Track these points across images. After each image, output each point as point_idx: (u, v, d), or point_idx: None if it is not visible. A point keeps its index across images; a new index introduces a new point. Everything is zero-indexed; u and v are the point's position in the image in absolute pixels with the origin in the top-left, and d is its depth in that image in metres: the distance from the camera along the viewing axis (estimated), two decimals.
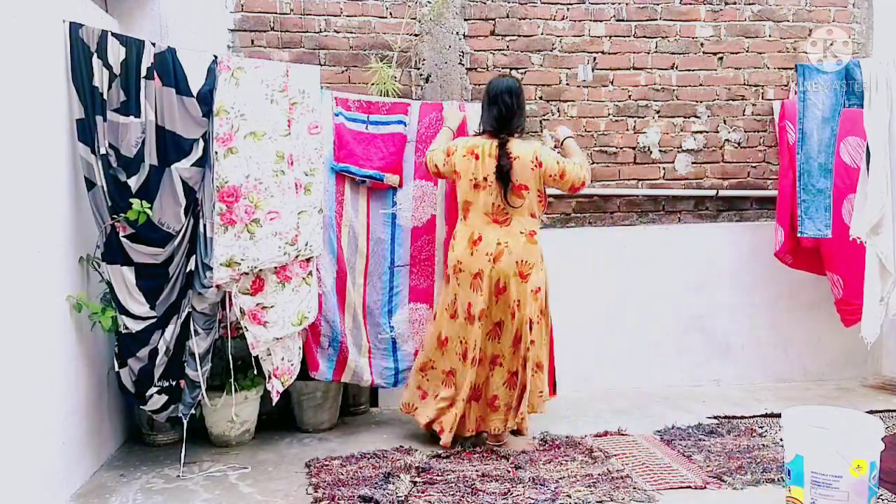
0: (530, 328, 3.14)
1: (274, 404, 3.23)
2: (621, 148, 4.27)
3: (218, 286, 2.97)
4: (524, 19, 4.14)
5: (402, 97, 3.80)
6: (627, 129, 4.27)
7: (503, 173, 3.09)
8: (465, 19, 4.09)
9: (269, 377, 3.14)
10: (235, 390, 3.28)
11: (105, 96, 2.81)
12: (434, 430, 3.29)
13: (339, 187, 3.47)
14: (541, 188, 3.21)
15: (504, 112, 3.17)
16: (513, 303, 3.14)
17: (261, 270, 3.03)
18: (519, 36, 4.14)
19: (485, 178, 3.13)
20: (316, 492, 2.77)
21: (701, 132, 4.34)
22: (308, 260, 3.18)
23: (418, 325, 3.64)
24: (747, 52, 4.35)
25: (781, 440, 2.92)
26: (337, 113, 3.45)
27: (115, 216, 2.84)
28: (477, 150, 3.15)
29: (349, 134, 3.47)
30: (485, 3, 4.11)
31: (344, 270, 3.47)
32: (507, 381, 3.22)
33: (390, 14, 4.01)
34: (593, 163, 4.18)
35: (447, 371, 3.28)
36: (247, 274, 3.00)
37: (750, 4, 4.33)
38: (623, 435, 3.40)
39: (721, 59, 4.33)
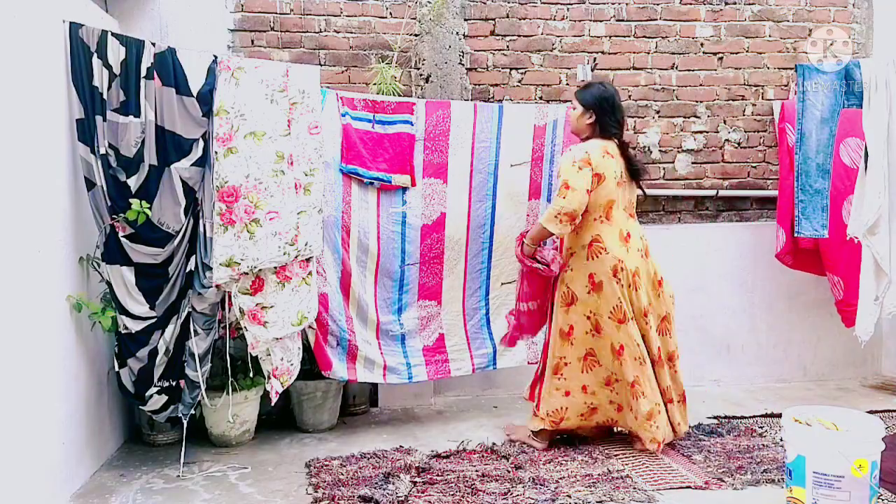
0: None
1: (273, 404, 3.23)
2: None
3: (218, 286, 2.97)
4: (524, 19, 4.14)
5: (402, 97, 3.80)
6: (627, 129, 4.25)
7: (635, 171, 3.23)
8: (465, 19, 4.09)
9: (269, 377, 3.14)
10: (235, 390, 3.28)
11: (105, 96, 2.81)
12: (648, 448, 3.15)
13: (346, 187, 3.47)
14: None
15: (623, 116, 3.29)
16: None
17: (260, 270, 3.02)
18: (519, 36, 4.14)
19: (622, 175, 3.19)
20: (316, 492, 2.77)
21: (701, 132, 4.35)
22: (308, 260, 3.18)
23: (426, 322, 3.64)
24: (747, 52, 4.35)
25: (782, 440, 2.92)
26: (344, 113, 3.45)
27: (114, 216, 2.84)
28: (609, 149, 3.18)
29: (356, 134, 3.47)
30: (485, 3, 4.11)
31: (349, 269, 3.47)
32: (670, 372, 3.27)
33: (390, 14, 4.01)
34: None
35: (631, 383, 3.10)
36: (246, 274, 3.00)
37: (750, 4, 4.34)
38: (623, 435, 3.40)
39: (721, 59, 4.33)
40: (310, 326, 3.27)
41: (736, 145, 4.38)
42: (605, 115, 3.21)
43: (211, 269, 2.93)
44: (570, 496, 2.70)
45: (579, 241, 3.16)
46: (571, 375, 3.18)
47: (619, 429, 3.32)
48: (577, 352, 3.17)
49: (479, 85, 4.11)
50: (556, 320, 3.22)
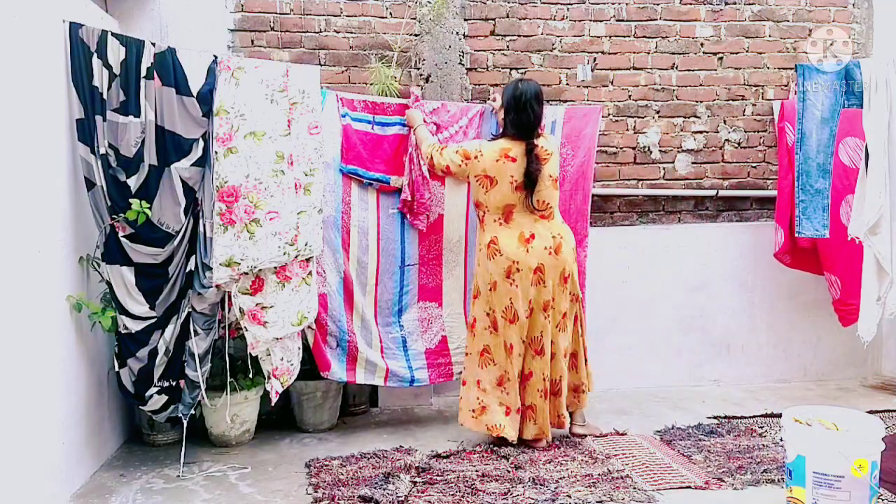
0: (582, 308, 3.38)
1: (273, 404, 3.23)
2: (621, 148, 4.27)
3: (217, 286, 2.97)
4: (524, 19, 4.14)
5: (402, 97, 3.80)
6: (627, 129, 4.27)
7: (531, 180, 3.14)
8: (465, 19, 4.08)
9: (269, 377, 3.14)
10: (235, 390, 3.28)
11: (105, 96, 2.81)
12: (526, 439, 3.24)
13: (345, 188, 3.47)
14: None
15: (532, 119, 3.18)
16: (576, 289, 3.30)
17: (260, 270, 3.03)
18: (519, 36, 4.14)
19: (524, 179, 3.16)
20: (316, 492, 2.77)
21: (701, 132, 4.34)
22: (308, 260, 3.18)
23: (427, 324, 3.64)
24: (747, 52, 4.35)
25: (781, 440, 2.92)
26: (344, 114, 3.45)
27: (114, 216, 2.84)
28: (511, 152, 3.16)
29: (356, 135, 3.48)
30: (485, 3, 4.10)
31: (349, 270, 3.47)
32: (572, 365, 3.33)
33: (390, 14, 4.01)
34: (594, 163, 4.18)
35: (526, 374, 3.22)
36: (246, 274, 3.00)
37: (750, 4, 4.33)
38: (623, 435, 3.40)
39: (721, 59, 4.33)
40: (309, 327, 3.27)
41: (736, 145, 4.38)
42: (510, 113, 3.20)
43: (211, 269, 2.93)
44: (570, 496, 2.70)
45: (482, 240, 3.26)
46: (470, 367, 3.27)
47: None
48: (477, 345, 3.26)
49: (479, 85, 4.10)
50: (469, 310, 3.40)
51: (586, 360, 3.39)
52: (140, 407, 3.11)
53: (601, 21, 4.21)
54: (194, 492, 2.85)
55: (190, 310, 3.02)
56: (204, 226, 2.97)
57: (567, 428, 3.36)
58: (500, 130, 3.34)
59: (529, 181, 3.14)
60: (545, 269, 3.16)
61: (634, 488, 2.77)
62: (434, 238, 3.64)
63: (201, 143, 2.94)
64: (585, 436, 3.36)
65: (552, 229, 3.22)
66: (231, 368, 3.27)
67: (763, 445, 3.21)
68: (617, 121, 4.26)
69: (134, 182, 2.86)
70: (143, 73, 2.85)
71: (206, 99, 2.94)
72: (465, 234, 3.68)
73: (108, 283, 2.91)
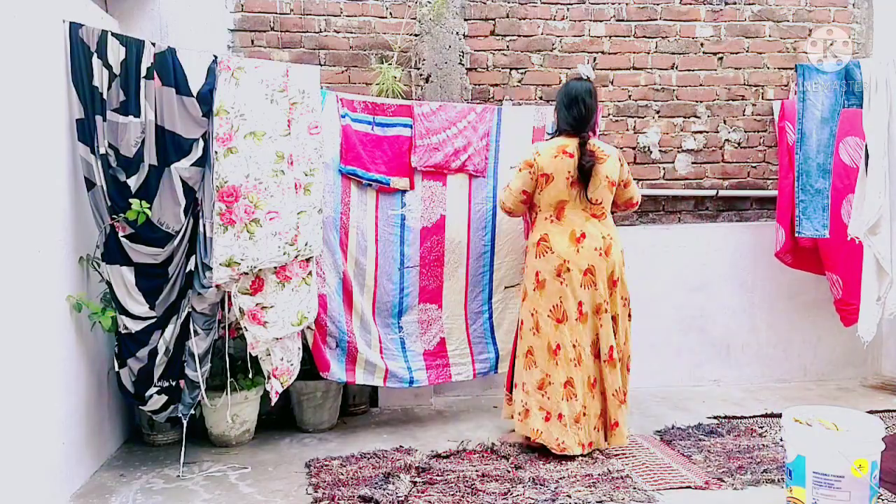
0: (629, 315, 3.27)
1: (273, 404, 3.23)
2: (621, 148, 4.25)
3: (217, 286, 2.97)
4: (524, 19, 4.14)
5: (403, 97, 3.80)
6: (627, 129, 4.27)
7: (584, 171, 3.13)
8: (465, 19, 4.09)
9: (269, 377, 3.14)
10: (235, 390, 3.28)
11: (105, 96, 2.81)
12: (566, 452, 3.09)
13: (344, 188, 3.47)
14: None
15: (584, 112, 3.18)
16: (626, 292, 3.23)
17: (260, 270, 3.02)
18: (519, 36, 4.14)
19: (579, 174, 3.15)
20: (316, 492, 2.77)
21: (701, 132, 4.34)
22: (308, 260, 3.18)
23: (426, 326, 3.64)
24: (747, 52, 4.35)
25: (782, 440, 2.92)
26: (343, 115, 3.45)
27: (114, 216, 2.84)
28: (568, 148, 3.15)
29: (356, 136, 3.47)
30: (485, 3, 4.10)
31: (348, 271, 3.47)
32: (622, 374, 3.23)
33: (390, 14, 4.01)
34: None
35: (564, 382, 3.09)
36: (246, 274, 3.00)
37: (750, 4, 4.33)
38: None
39: (721, 59, 4.33)
40: (308, 327, 3.27)
41: (736, 145, 4.38)
42: (562, 110, 3.22)
43: (211, 269, 2.93)
44: (570, 496, 2.70)
45: (531, 239, 3.24)
46: (518, 370, 3.24)
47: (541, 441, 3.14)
48: (523, 347, 3.22)
49: (479, 85, 4.11)
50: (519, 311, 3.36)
51: (628, 369, 3.28)
52: (140, 407, 3.11)
53: (601, 21, 4.21)
54: (194, 492, 2.85)
55: (190, 310, 3.02)
56: (204, 226, 2.97)
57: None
58: (556, 129, 3.31)
59: (583, 175, 3.12)
60: (595, 270, 3.11)
61: (634, 488, 2.77)
62: (436, 239, 3.63)
63: (201, 143, 2.94)
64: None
65: (603, 230, 3.17)
66: (231, 368, 3.27)
67: (763, 445, 3.22)
68: (617, 121, 4.26)
69: (134, 182, 2.86)
70: (143, 73, 2.85)
71: (206, 99, 2.94)
72: (466, 235, 3.68)
73: (108, 283, 2.91)
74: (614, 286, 3.18)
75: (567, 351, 3.09)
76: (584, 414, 3.11)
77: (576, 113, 3.18)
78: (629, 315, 3.26)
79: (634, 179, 4.24)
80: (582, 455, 3.09)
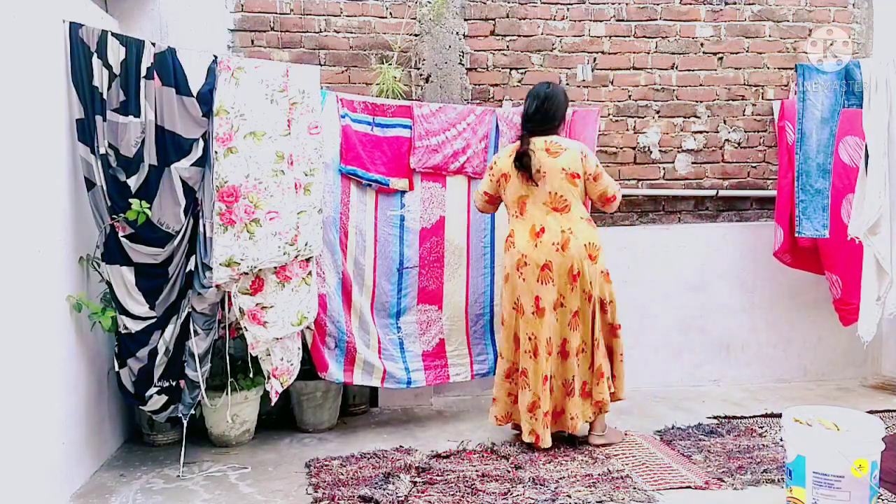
0: (603, 310, 3.23)
1: (273, 404, 3.23)
2: (621, 148, 4.27)
3: (217, 286, 2.97)
4: (524, 19, 4.14)
5: (403, 97, 3.80)
6: (627, 129, 4.27)
7: (522, 164, 3.16)
8: (465, 19, 4.09)
9: (269, 377, 3.14)
10: (235, 390, 3.28)
11: (105, 96, 2.81)
12: (524, 439, 3.19)
13: (344, 189, 3.47)
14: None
15: (531, 112, 3.24)
16: (587, 286, 3.17)
17: (260, 270, 3.02)
18: (519, 36, 4.14)
19: (537, 171, 3.15)
20: (316, 492, 2.77)
21: (701, 132, 4.34)
22: (308, 260, 3.18)
23: (425, 326, 3.64)
24: (747, 52, 4.35)
25: (782, 440, 2.92)
26: (343, 115, 3.45)
27: (114, 216, 2.84)
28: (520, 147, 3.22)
29: (356, 136, 3.48)
30: (485, 3, 4.10)
31: (347, 271, 3.47)
32: (591, 366, 3.23)
33: (390, 14, 4.01)
34: None
35: (521, 371, 3.19)
36: (246, 274, 3.00)
37: (750, 4, 4.33)
38: (623, 435, 3.40)
39: (721, 59, 4.33)
40: (308, 327, 3.27)
41: (736, 145, 4.38)
42: (525, 111, 3.29)
43: (211, 269, 2.93)
44: (570, 496, 2.70)
45: (506, 235, 3.33)
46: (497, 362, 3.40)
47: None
48: (499, 341, 3.41)
49: (479, 85, 4.11)
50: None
51: (612, 364, 3.29)
52: (140, 407, 3.11)
53: (601, 21, 4.21)
54: (194, 492, 2.85)
55: (190, 310, 3.02)
56: (204, 226, 2.97)
57: (583, 434, 3.28)
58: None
59: (522, 167, 3.16)
60: (552, 266, 3.13)
61: (634, 488, 2.77)
62: (436, 240, 3.63)
63: (201, 143, 2.94)
64: (602, 445, 3.24)
65: (563, 223, 3.15)
66: (231, 368, 3.27)
67: (763, 445, 3.21)
68: (617, 121, 4.26)
69: (134, 182, 2.86)
70: (143, 73, 2.85)
71: (206, 99, 2.94)
72: (466, 236, 3.68)
73: (108, 283, 2.91)
74: (574, 281, 3.15)
75: (524, 343, 3.18)
76: (538, 406, 3.14)
77: (524, 112, 3.28)
78: (602, 307, 3.22)
79: (634, 179, 4.29)
80: (540, 447, 3.14)
